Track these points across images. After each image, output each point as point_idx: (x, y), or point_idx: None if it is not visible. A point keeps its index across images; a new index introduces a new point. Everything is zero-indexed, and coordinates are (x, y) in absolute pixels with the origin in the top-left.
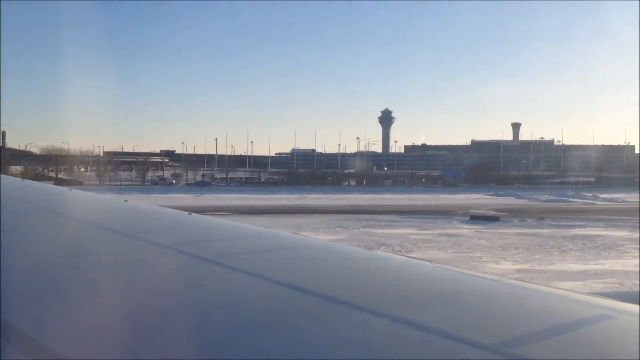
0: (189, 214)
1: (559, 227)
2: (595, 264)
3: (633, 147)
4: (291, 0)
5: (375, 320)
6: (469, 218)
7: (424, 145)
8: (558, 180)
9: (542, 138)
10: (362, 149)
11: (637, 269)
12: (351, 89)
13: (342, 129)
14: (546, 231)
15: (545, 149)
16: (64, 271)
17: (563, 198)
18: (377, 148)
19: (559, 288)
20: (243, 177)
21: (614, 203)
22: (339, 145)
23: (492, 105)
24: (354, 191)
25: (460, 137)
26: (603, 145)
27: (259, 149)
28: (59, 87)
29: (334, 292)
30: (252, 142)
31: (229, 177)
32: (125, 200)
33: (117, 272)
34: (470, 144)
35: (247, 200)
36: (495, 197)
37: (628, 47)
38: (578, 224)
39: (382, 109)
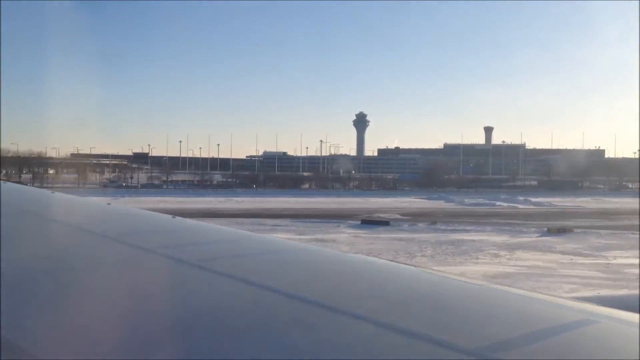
0: (172, 217)
1: (443, 231)
2: None
3: (603, 151)
4: (264, 2)
5: (359, 324)
6: (360, 222)
7: (397, 148)
8: (511, 183)
9: (503, 142)
10: (327, 152)
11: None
12: (327, 92)
13: (317, 133)
14: (423, 236)
15: (515, 153)
16: (46, 275)
17: (489, 202)
18: (344, 151)
19: (542, 293)
20: (194, 179)
21: (537, 207)
22: (307, 148)
23: (468, 108)
24: (288, 194)
25: (436, 140)
26: (574, 149)
27: (236, 152)
28: (27, 89)
29: (319, 296)
30: (218, 144)
31: (182, 180)
32: (109, 204)
33: (100, 276)
34: (443, 147)
35: (163, 203)
36: (425, 200)
37: (608, 52)
38: (467, 228)
39: (357, 112)
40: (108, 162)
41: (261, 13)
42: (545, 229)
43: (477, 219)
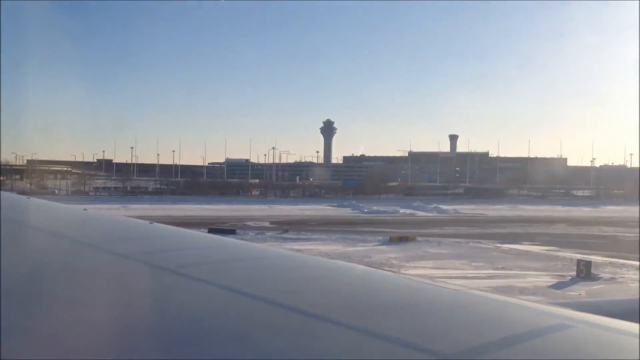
0: (150, 223)
1: (283, 240)
2: None
3: (565, 159)
4: (229, 2)
5: (336, 330)
6: (207, 231)
7: (362, 155)
8: (446, 191)
9: (451, 150)
10: (277, 159)
11: None
12: (294, 99)
13: (285, 140)
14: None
15: (479, 160)
16: (22, 281)
17: (393, 210)
18: (293, 158)
19: (518, 298)
20: (126, 186)
21: (433, 214)
22: (265, 155)
23: (436, 116)
24: (201, 202)
25: (403, 148)
26: (536, 157)
27: (200, 159)
28: None
29: (297, 301)
30: (173, 150)
31: (115, 186)
32: (85, 209)
33: (76, 283)
34: (407, 154)
35: None
36: (333, 207)
37: (577, 61)
38: (313, 237)
39: (324, 120)
40: (48, 168)
41: (229, 20)
42: (389, 237)
43: (345, 227)
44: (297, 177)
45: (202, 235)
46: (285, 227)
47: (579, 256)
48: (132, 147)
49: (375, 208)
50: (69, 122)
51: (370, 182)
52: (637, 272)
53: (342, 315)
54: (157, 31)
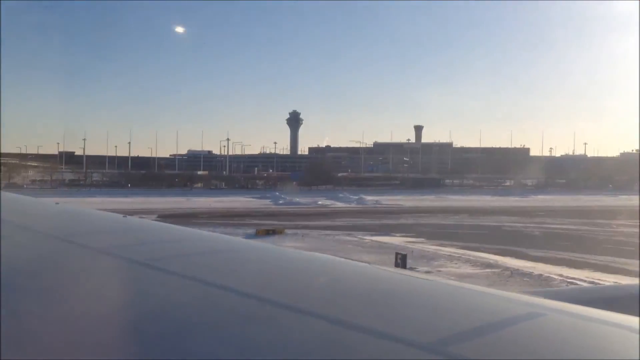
0: (124, 216)
1: None
2: None
3: (528, 149)
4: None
5: (311, 321)
6: None
7: (327, 147)
8: (388, 182)
9: (408, 139)
10: (232, 150)
11: None
12: (260, 91)
13: (250, 131)
14: None
15: (442, 151)
16: None
17: (313, 201)
18: (251, 150)
19: (491, 287)
20: (65, 178)
21: (352, 205)
22: (225, 146)
23: (405, 108)
24: (119, 194)
25: (370, 139)
26: (500, 147)
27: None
28: None
29: (271, 294)
30: (129, 142)
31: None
32: (57, 203)
33: (48, 277)
34: (372, 146)
35: None
36: (251, 199)
37: (531, 51)
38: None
39: (290, 111)
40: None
41: (194, 11)
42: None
43: (234, 220)
44: (255, 169)
45: (177, 228)
46: (160, 220)
47: (432, 248)
48: (84, 139)
49: (296, 200)
50: (22, 114)
51: (311, 174)
52: (467, 265)
53: (316, 306)
54: (133, 25)
